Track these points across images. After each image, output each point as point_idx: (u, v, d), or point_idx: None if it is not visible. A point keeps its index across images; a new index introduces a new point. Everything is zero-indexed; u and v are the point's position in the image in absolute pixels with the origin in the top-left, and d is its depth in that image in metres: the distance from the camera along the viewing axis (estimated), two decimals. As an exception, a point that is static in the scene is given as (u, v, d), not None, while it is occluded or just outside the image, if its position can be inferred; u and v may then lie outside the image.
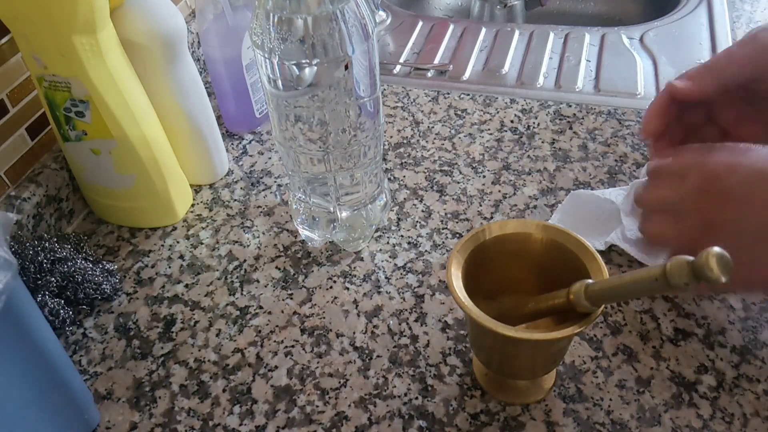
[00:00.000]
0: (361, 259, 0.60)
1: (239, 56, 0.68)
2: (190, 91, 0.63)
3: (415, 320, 0.54)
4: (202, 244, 0.63)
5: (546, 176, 0.67)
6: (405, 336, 0.53)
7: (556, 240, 0.45)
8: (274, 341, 0.54)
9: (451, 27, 0.94)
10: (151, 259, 0.62)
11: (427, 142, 0.73)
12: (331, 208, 0.58)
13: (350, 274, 0.59)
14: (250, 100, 0.73)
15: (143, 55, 0.58)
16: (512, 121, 0.75)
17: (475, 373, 0.50)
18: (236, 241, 0.63)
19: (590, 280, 0.41)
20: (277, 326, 0.55)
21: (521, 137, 0.73)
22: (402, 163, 0.70)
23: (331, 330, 0.54)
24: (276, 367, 0.52)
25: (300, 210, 0.60)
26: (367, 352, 0.52)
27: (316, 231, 0.60)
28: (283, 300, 0.57)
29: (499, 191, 0.66)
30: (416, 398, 0.49)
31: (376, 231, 0.62)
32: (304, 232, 0.61)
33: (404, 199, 0.66)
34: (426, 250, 0.60)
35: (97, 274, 0.57)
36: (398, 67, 0.86)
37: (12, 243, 0.55)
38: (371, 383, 0.50)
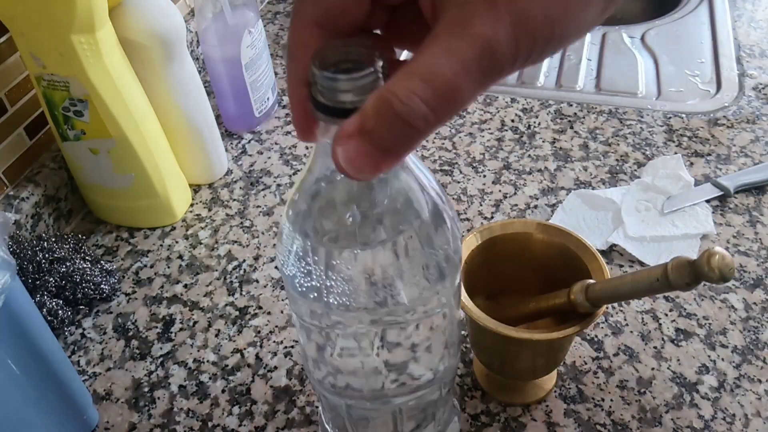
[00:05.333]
0: (361, 259, 0.60)
1: (238, 55, 0.68)
2: (189, 91, 0.63)
3: (415, 320, 0.54)
4: (201, 244, 0.63)
5: (547, 176, 0.67)
6: (405, 336, 0.53)
7: (557, 240, 0.45)
8: (274, 342, 0.53)
9: (452, 26, 0.93)
10: (150, 259, 0.62)
11: (427, 141, 0.73)
12: None
13: (350, 274, 0.58)
14: (249, 100, 0.72)
15: (142, 54, 0.58)
16: (513, 121, 0.75)
17: (475, 373, 0.50)
18: (235, 241, 0.63)
19: (591, 280, 0.41)
20: (276, 326, 0.55)
21: (522, 136, 0.72)
22: (402, 163, 0.70)
23: (330, 330, 0.54)
24: (275, 367, 0.52)
25: None
26: (366, 352, 0.52)
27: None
28: (282, 300, 0.57)
29: (500, 191, 0.66)
30: (416, 399, 0.49)
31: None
32: None
33: (404, 198, 0.66)
34: (426, 250, 0.60)
35: (96, 274, 0.57)
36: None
37: (10, 243, 0.55)
38: (371, 384, 0.50)
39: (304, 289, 0.30)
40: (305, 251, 0.30)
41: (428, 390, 0.36)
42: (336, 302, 0.30)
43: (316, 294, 0.30)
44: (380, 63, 0.23)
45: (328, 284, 0.30)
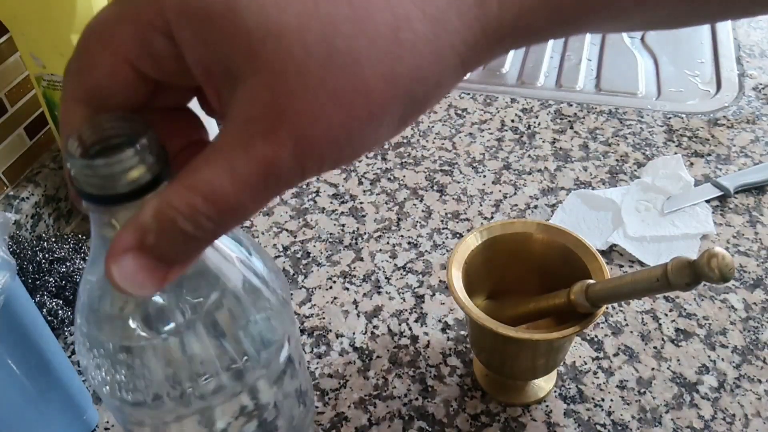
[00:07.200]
0: (361, 259, 0.60)
1: (239, 55, 0.68)
2: (190, 91, 0.63)
3: (416, 321, 0.54)
4: (201, 244, 0.63)
5: (547, 176, 0.67)
6: (405, 336, 0.53)
7: (556, 240, 0.45)
8: (274, 341, 0.53)
9: (452, 26, 0.93)
10: (151, 259, 0.62)
11: (427, 141, 0.73)
12: None
13: (350, 275, 0.58)
14: (249, 100, 0.72)
15: (142, 54, 0.58)
16: (513, 121, 0.75)
17: (475, 373, 0.50)
18: (236, 241, 0.63)
19: (591, 281, 0.41)
20: (276, 326, 0.55)
21: (522, 137, 0.72)
22: (402, 163, 0.70)
23: (330, 330, 0.54)
24: (275, 367, 0.52)
25: None
26: (366, 352, 0.52)
27: None
28: (282, 300, 0.57)
29: (500, 191, 0.66)
30: (416, 399, 0.49)
31: (377, 231, 0.62)
32: None
33: (404, 198, 0.66)
34: (426, 250, 0.60)
35: (96, 274, 0.57)
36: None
37: (10, 243, 0.55)
38: (371, 384, 0.50)
39: (121, 393, 0.28)
40: (117, 359, 0.27)
41: None
42: (149, 395, 0.28)
43: (134, 395, 0.28)
44: (145, 138, 0.21)
45: (140, 380, 0.28)
